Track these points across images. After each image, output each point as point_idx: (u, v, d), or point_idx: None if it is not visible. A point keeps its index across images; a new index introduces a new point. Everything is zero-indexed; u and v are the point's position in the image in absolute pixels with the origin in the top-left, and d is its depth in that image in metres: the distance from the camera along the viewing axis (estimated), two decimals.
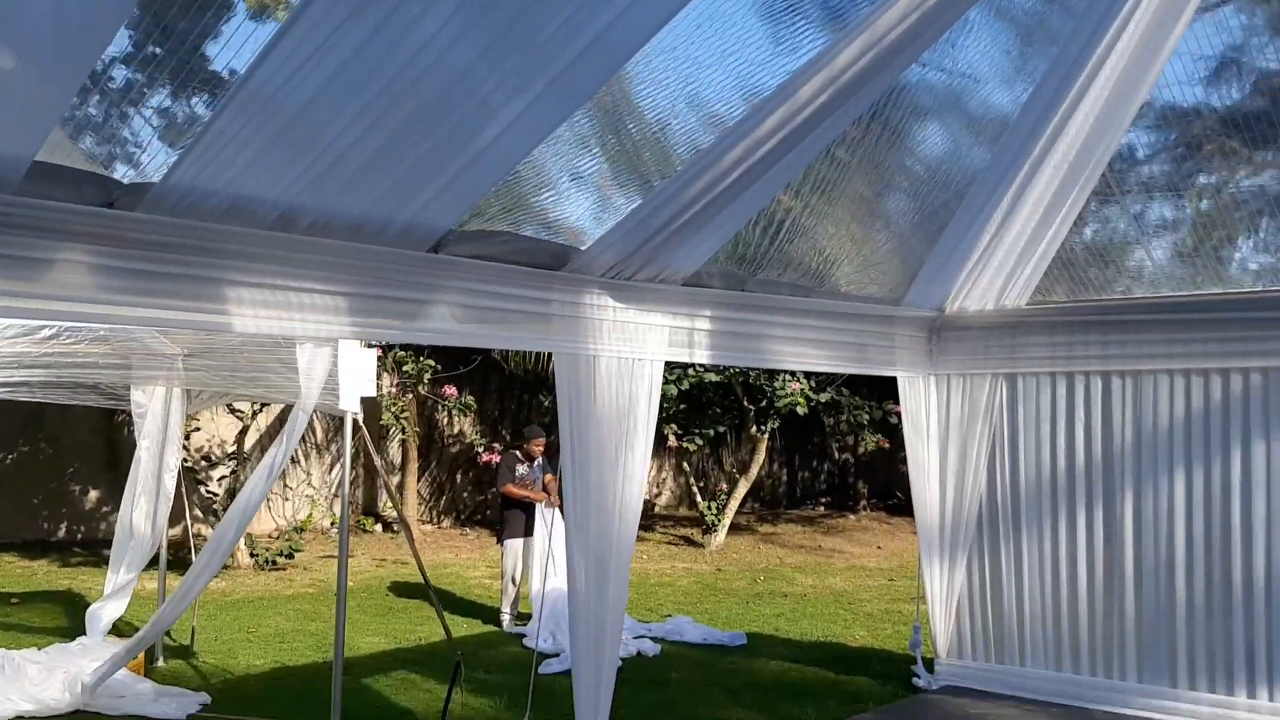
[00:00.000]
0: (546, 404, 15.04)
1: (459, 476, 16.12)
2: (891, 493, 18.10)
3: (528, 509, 9.34)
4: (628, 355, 4.96)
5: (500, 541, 9.71)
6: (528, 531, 9.35)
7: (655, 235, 4.68)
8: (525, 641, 8.76)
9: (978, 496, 6.87)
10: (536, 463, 9.50)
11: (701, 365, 11.77)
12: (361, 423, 5.87)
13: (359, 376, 5.71)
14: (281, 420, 13.97)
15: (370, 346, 5.84)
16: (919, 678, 7.13)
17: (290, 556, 12.10)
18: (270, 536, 13.21)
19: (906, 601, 10.68)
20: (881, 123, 5.13)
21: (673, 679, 7.49)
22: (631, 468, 4.98)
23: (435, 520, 15.85)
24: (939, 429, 6.97)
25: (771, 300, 5.72)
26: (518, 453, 9.59)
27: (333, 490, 14.94)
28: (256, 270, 3.61)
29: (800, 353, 6.07)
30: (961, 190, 5.71)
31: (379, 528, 14.93)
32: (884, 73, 4.29)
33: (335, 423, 13.97)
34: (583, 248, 4.69)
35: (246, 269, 3.57)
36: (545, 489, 9.33)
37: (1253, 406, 5.95)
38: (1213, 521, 6.09)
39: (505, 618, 9.33)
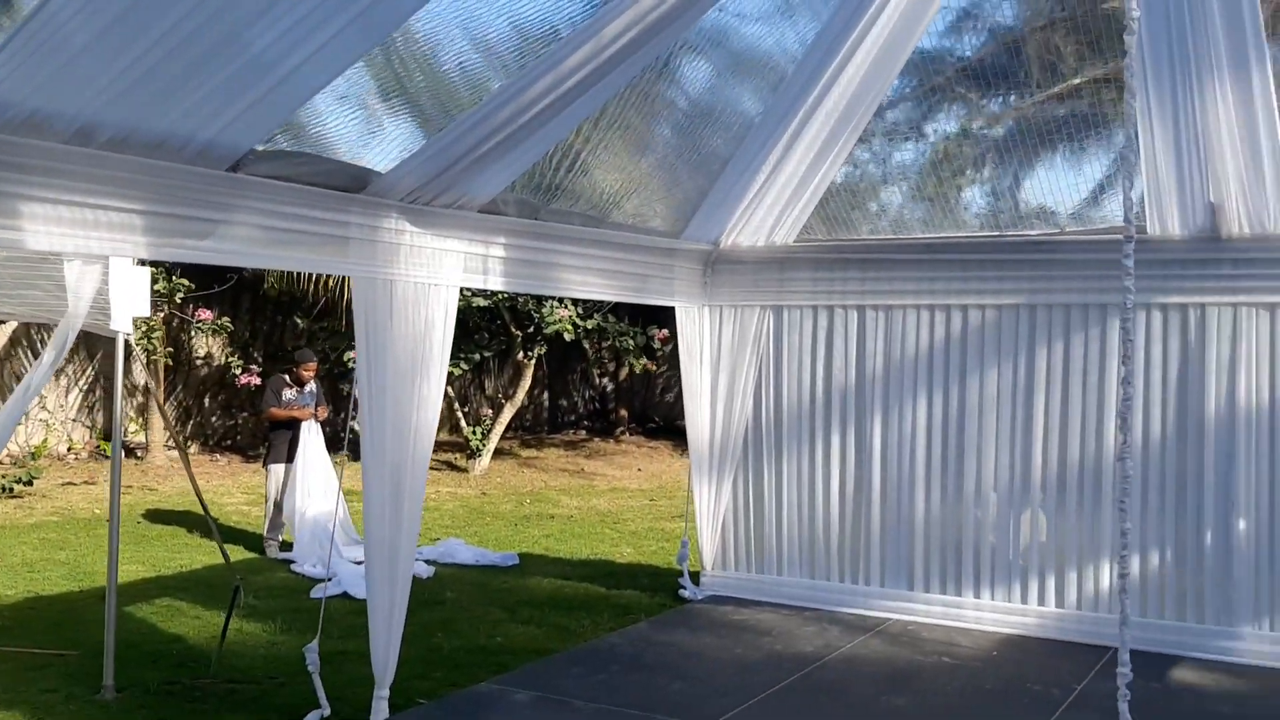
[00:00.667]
0: (302, 325, 14.63)
1: (207, 400, 15.51)
2: (650, 417, 18.74)
3: (294, 433, 9.18)
4: (424, 280, 5.01)
5: (265, 465, 9.51)
6: (290, 457, 9.20)
7: (456, 163, 4.73)
8: (293, 567, 8.69)
9: (744, 420, 7.32)
10: (308, 389, 9.32)
11: (469, 290, 11.80)
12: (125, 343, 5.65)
13: (132, 295, 5.47)
14: (14, 342, 13.00)
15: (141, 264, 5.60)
16: (685, 589, 7.58)
17: (29, 484, 11.38)
18: (2, 463, 12.36)
19: (668, 520, 11.23)
20: (671, 63, 5.34)
21: (449, 598, 7.65)
22: (427, 392, 5.06)
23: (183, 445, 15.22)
24: (711, 356, 7.37)
25: (563, 230, 5.87)
26: (286, 377, 9.38)
27: (70, 415, 14.07)
28: (52, 185, 3.44)
29: (587, 281, 6.26)
30: (742, 133, 6.01)
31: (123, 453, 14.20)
32: (688, 12, 4.48)
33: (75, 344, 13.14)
34: (383, 171, 4.68)
35: (42, 184, 3.41)
36: (316, 417, 9.20)
37: (987, 339, 6.63)
38: (949, 441, 6.77)
39: (270, 544, 9.19)
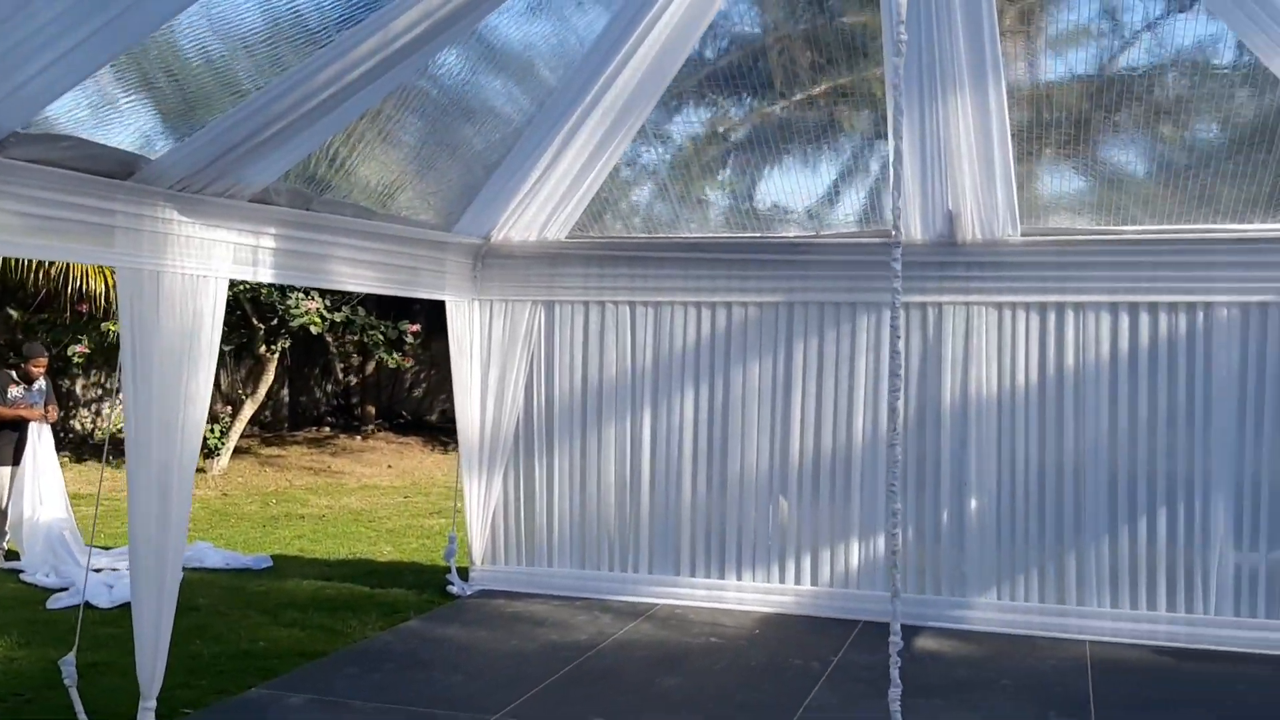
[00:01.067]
0: (16, 317, 13.47)
1: None
2: (399, 413, 18.41)
3: (19, 433, 8.48)
4: (193, 272, 4.78)
5: None
6: (16, 459, 8.50)
7: (230, 150, 4.54)
8: (22, 577, 8.04)
9: (515, 414, 7.37)
10: (36, 386, 8.61)
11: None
12: None
13: None
14: None
15: None
16: (454, 585, 7.55)
17: None
18: None
19: (426, 517, 11.11)
20: (450, 59, 5.31)
21: (203, 605, 7.29)
22: (195, 389, 4.83)
23: None
24: (482, 351, 7.36)
25: (334, 221, 5.72)
26: (13, 373, 8.64)
27: None
28: None
29: (358, 274, 6.13)
30: (520, 129, 6.05)
31: None
32: (479, 9, 4.48)
33: None
34: (153, 158, 4.43)
35: None
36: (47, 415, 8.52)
37: (749, 335, 6.97)
38: (714, 432, 7.07)
39: None
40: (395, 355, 14.41)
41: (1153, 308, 6.31)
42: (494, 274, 7.31)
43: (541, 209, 6.91)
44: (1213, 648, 6.23)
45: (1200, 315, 6.24)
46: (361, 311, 13.82)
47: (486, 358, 7.37)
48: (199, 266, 4.81)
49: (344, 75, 4.37)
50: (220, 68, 4.34)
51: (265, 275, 5.35)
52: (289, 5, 4.11)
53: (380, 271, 6.32)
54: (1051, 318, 6.46)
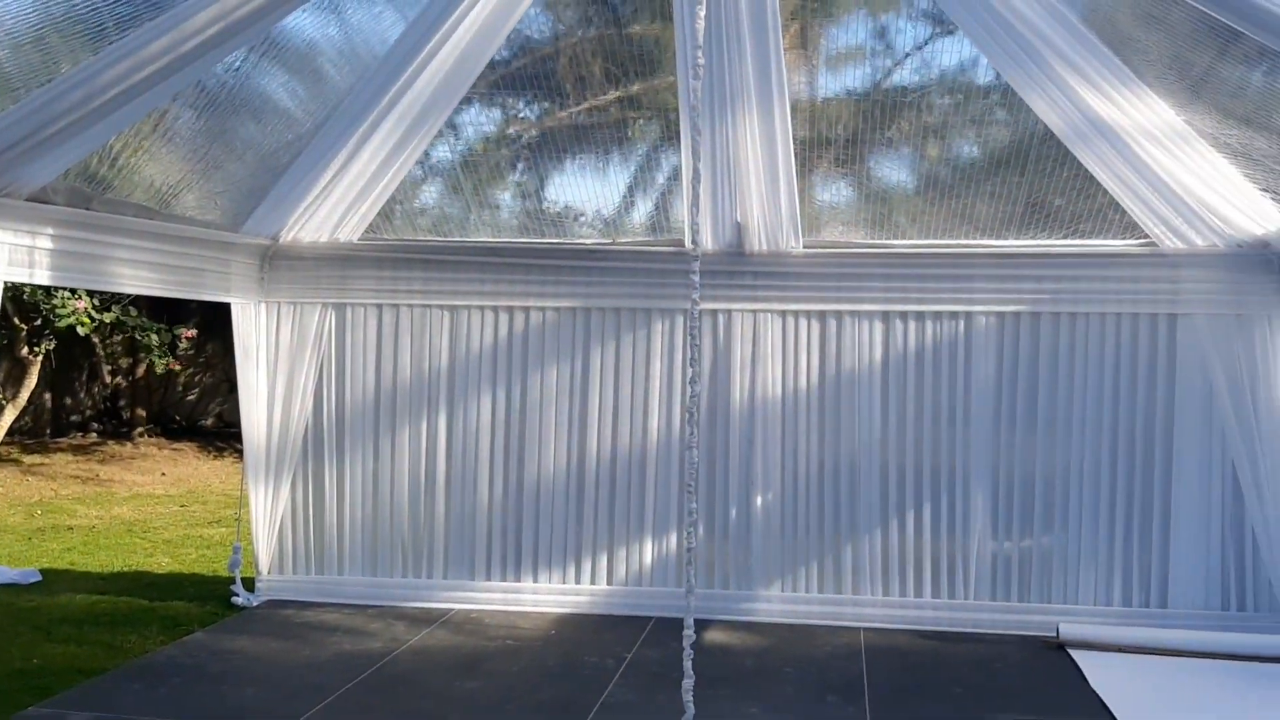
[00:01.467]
0: None
1: None
2: (171, 418, 17.55)
3: None
4: None
5: None
6: None
7: (8, 149, 4.30)
8: None
9: (304, 419, 7.21)
10: None
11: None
12: None
13: None
14: None
15: None
16: (239, 596, 7.32)
17: None
18: None
19: (205, 526, 10.67)
20: (244, 57, 5.17)
21: None
22: None
23: None
24: (269, 355, 7.17)
25: (114, 221, 5.48)
26: None
27: None
28: None
29: (140, 276, 5.88)
30: (312, 131, 5.94)
31: None
32: (277, 11, 4.40)
33: None
34: None
35: None
36: None
37: (547, 338, 7.07)
38: (511, 436, 7.13)
39: None
40: (167, 359, 13.75)
41: (920, 316, 6.79)
42: (282, 276, 7.13)
43: (334, 210, 6.80)
44: (973, 630, 6.76)
45: (961, 323, 6.75)
46: (133, 312, 13.13)
47: (274, 361, 7.18)
48: None
49: (131, 75, 4.21)
50: None
51: (42, 277, 5.08)
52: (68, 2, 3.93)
53: (163, 273, 6.08)
54: (831, 324, 6.84)
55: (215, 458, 15.40)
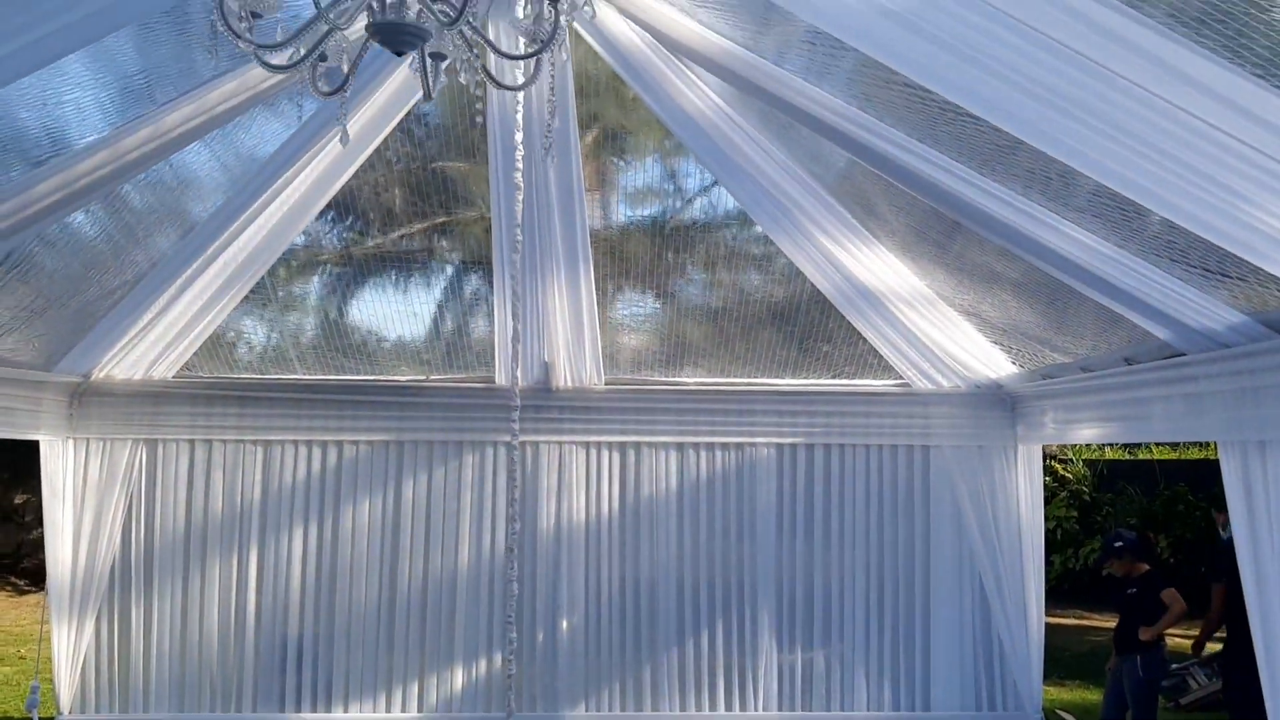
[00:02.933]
0: None
1: None
2: None
3: None
4: None
5: None
6: None
7: None
8: None
9: (111, 555, 7.19)
10: None
11: None
12: None
13: None
14: None
15: None
16: None
17: None
18: None
19: None
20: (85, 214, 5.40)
21: None
22: None
23: None
24: (75, 491, 7.16)
25: None
26: None
27: None
28: None
29: None
30: (136, 279, 6.15)
31: None
32: (117, 181, 4.72)
33: None
34: None
35: None
36: None
37: (360, 471, 7.36)
38: (323, 567, 7.33)
39: None
40: None
41: (709, 446, 7.47)
42: (92, 412, 7.18)
43: (150, 349, 6.95)
44: None
45: (746, 453, 7.46)
46: None
47: (81, 497, 7.17)
48: None
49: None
50: None
51: None
52: None
53: None
54: (630, 454, 7.43)
55: (12, 595, 14.53)
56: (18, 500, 13.61)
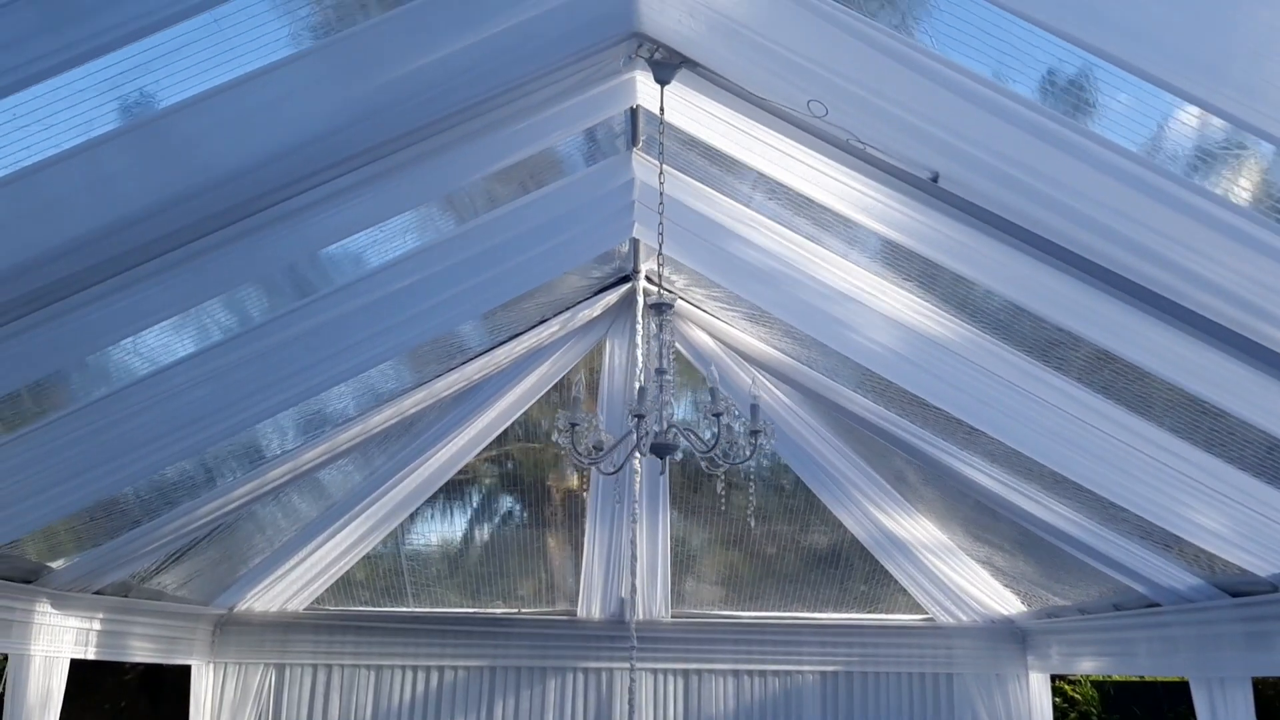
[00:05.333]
0: None
1: None
2: None
3: None
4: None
5: None
6: None
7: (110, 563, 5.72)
8: None
9: None
10: None
11: None
12: None
13: None
14: None
15: None
16: None
17: None
18: None
19: None
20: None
21: None
22: None
23: None
24: (213, 710, 8.23)
25: (136, 605, 6.77)
26: None
27: None
28: None
29: (143, 646, 7.08)
30: (302, 524, 7.47)
31: None
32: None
33: None
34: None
35: None
36: None
37: (458, 693, 8.44)
38: None
39: None
40: None
41: (762, 674, 8.56)
42: (230, 639, 8.33)
43: (290, 585, 8.18)
44: None
45: (794, 679, 8.56)
46: None
47: (218, 715, 8.24)
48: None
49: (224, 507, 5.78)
50: None
51: (91, 653, 6.30)
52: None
53: (150, 642, 7.29)
54: (694, 680, 8.52)
55: None
56: None
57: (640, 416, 3.36)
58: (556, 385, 7.40)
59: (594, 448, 3.62)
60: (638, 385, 3.52)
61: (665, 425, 3.43)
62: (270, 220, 3.56)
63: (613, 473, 3.71)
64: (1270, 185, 3.05)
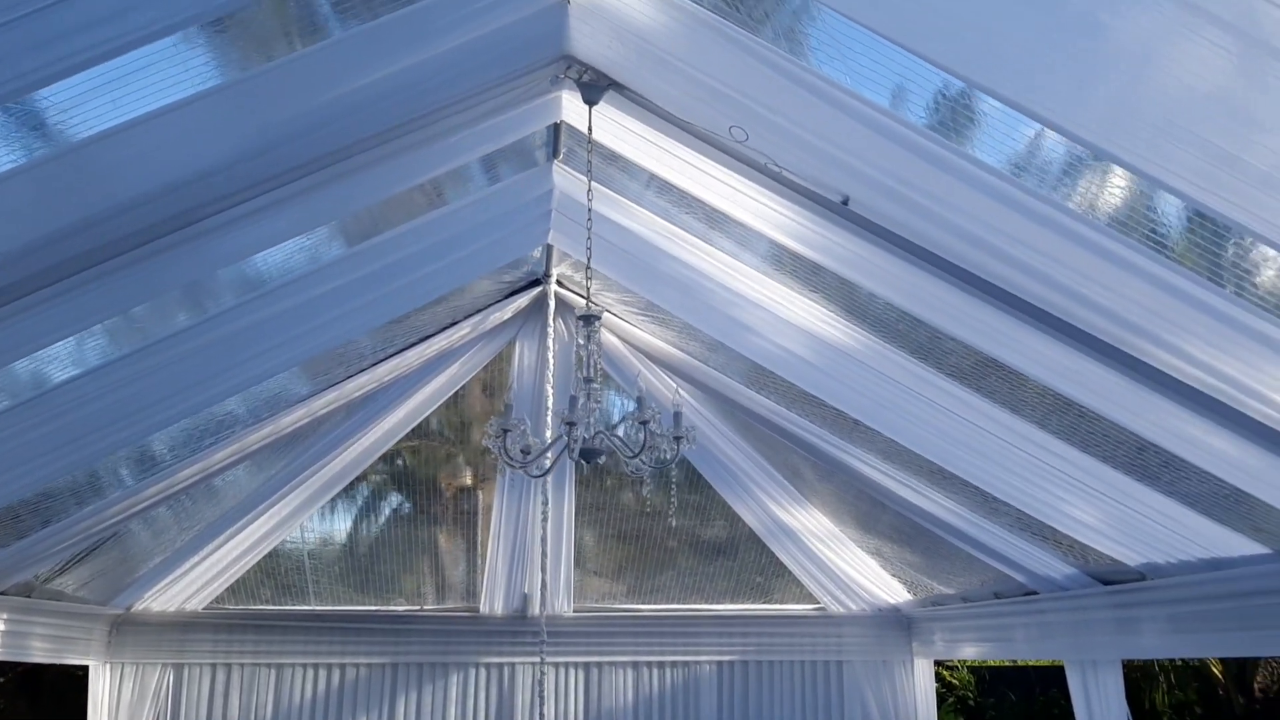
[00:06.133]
0: None
1: None
2: None
3: None
4: None
5: None
6: None
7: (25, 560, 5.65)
8: None
9: None
10: None
11: None
12: None
13: None
14: None
15: None
16: None
17: None
18: None
19: None
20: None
21: None
22: None
23: None
24: (110, 711, 8.12)
25: (37, 604, 6.68)
26: None
27: None
28: None
29: (25, 645, 6.96)
30: (209, 519, 7.44)
31: None
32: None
33: None
34: None
35: None
36: None
37: (360, 690, 8.49)
38: None
39: None
40: None
41: (661, 665, 8.81)
42: (128, 639, 8.22)
43: (191, 583, 8.11)
44: None
45: (692, 669, 8.83)
46: None
47: (115, 715, 8.13)
48: None
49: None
50: None
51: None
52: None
53: (46, 641, 7.17)
54: (595, 673, 8.73)
55: None
56: None
57: (571, 424, 3.55)
58: (461, 389, 7.55)
59: (523, 451, 3.79)
60: (570, 394, 3.69)
61: (594, 432, 3.63)
62: (183, 239, 3.62)
63: (541, 475, 3.89)
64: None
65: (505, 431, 3.73)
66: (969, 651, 8.71)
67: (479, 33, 3.33)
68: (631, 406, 7.42)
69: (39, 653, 7.04)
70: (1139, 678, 14.03)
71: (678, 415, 3.81)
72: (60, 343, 4.09)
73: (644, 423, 3.63)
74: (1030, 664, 19.27)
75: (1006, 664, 19.51)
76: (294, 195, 3.66)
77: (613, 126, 4.06)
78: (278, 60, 3.06)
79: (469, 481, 8.47)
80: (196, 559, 7.84)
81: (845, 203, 3.57)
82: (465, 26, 3.24)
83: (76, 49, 2.66)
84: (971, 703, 17.99)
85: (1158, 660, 13.58)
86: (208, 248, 3.75)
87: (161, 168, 3.27)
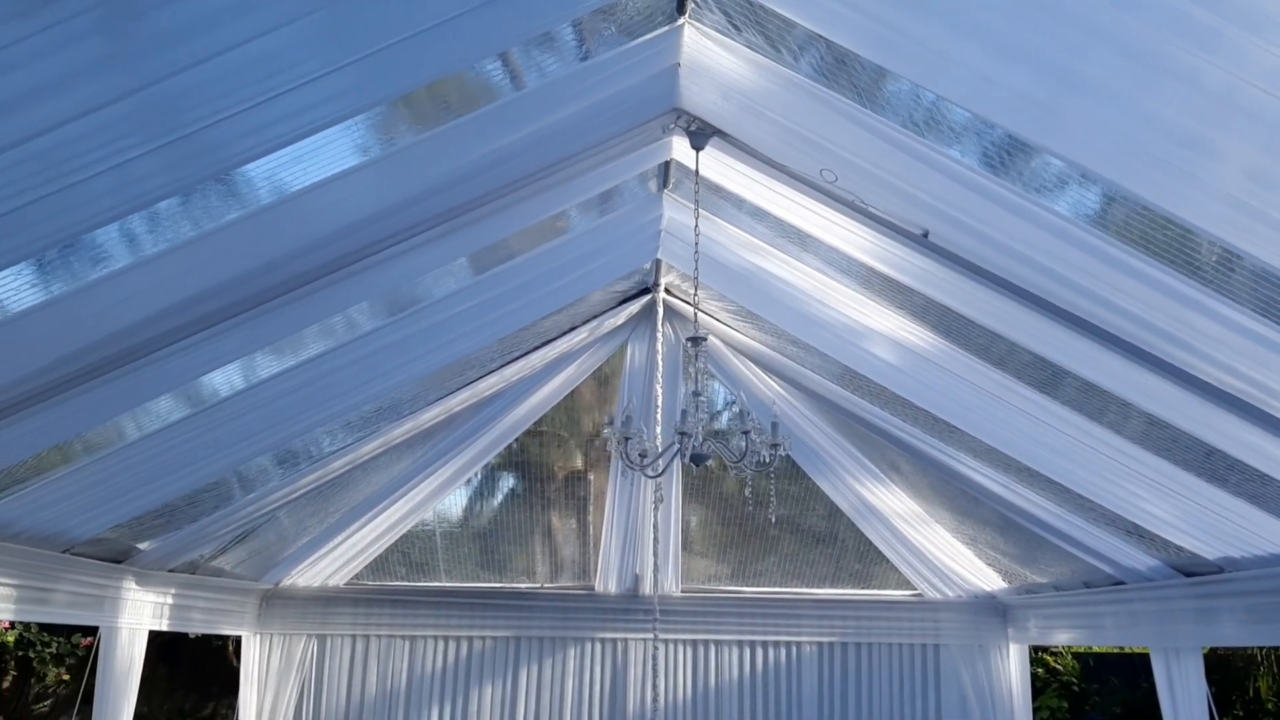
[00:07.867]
0: None
1: None
2: None
3: None
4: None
5: None
6: None
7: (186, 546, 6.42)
8: None
9: None
10: None
11: None
12: None
13: None
14: None
15: None
16: None
17: None
18: None
19: None
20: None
21: None
22: None
23: None
24: (260, 678, 8.96)
25: (201, 580, 7.48)
26: None
27: None
28: None
29: (194, 619, 7.79)
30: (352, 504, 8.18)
31: None
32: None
33: None
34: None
35: None
36: None
37: (485, 662, 9.17)
38: None
39: None
40: (58, 670, 14.68)
41: (765, 644, 9.32)
42: (275, 612, 9.04)
43: (334, 562, 8.89)
44: None
45: (794, 649, 9.31)
46: (34, 627, 14.16)
47: (264, 682, 8.97)
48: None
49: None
50: None
51: (163, 624, 7.01)
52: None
53: (206, 615, 8.01)
54: (702, 650, 9.28)
55: None
56: (206, 712, 15.52)
57: (683, 434, 4.08)
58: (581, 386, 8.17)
59: (640, 455, 4.34)
60: (680, 409, 4.23)
61: (701, 439, 4.16)
62: (363, 268, 4.25)
63: (657, 476, 4.43)
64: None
65: (627, 439, 4.29)
66: (1061, 638, 9.02)
67: (603, 95, 3.85)
68: (729, 396, 7.97)
69: (198, 624, 7.87)
70: (1243, 666, 14.03)
71: (775, 425, 4.30)
72: (242, 359, 4.77)
73: (745, 432, 4.12)
74: (1133, 650, 19.29)
75: (1112, 650, 19.53)
76: (440, 235, 4.25)
77: (716, 165, 4.55)
78: (438, 128, 3.63)
79: (579, 467, 9.07)
80: (339, 540, 8.61)
81: (926, 235, 4.00)
82: (593, 93, 3.76)
83: (280, 133, 3.26)
84: (1075, 688, 18.09)
85: (1259, 650, 13.58)
86: (369, 279, 4.37)
87: (336, 216, 3.88)
